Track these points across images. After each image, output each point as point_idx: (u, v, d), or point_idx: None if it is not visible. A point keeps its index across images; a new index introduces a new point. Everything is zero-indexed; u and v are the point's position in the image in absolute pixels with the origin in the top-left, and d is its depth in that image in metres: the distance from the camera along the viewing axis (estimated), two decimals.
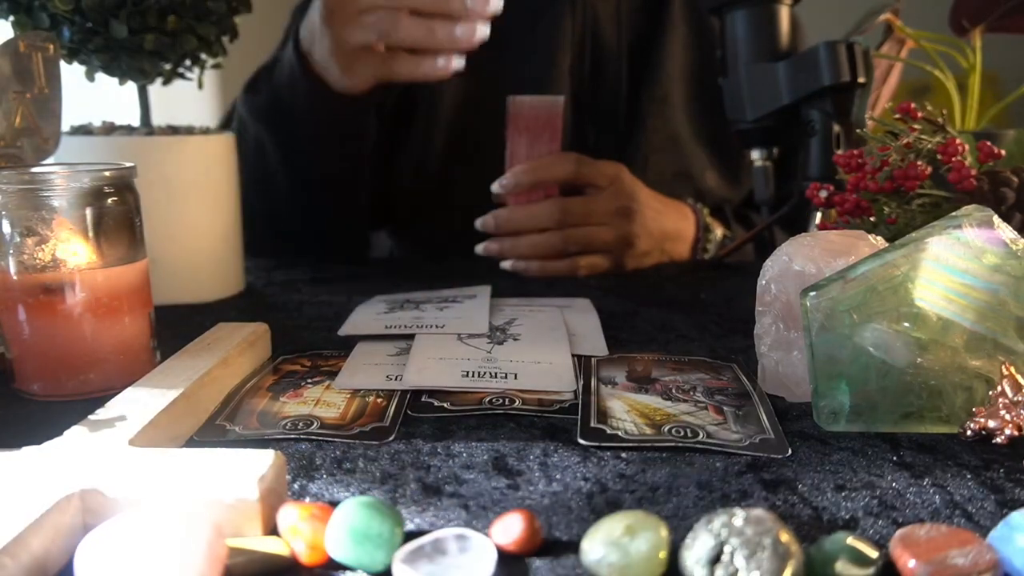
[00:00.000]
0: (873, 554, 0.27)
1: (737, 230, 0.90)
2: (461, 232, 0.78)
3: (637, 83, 0.89)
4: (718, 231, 0.85)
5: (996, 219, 0.39)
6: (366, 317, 0.58)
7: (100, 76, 0.63)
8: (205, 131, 0.67)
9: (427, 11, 0.67)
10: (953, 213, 0.40)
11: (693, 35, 0.91)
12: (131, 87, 0.65)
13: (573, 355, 0.50)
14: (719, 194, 0.92)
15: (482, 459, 0.37)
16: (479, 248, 0.76)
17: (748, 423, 0.41)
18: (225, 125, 0.92)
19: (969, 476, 0.35)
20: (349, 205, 0.82)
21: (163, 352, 0.48)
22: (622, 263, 0.78)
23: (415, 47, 0.69)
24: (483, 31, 0.68)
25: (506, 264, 0.76)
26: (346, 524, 0.28)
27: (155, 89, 0.66)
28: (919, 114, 0.55)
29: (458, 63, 0.69)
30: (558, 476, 0.35)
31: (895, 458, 0.37)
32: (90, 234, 0.44)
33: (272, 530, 0.30)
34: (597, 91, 0.89)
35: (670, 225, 0.81)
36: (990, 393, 0.38)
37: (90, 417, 0.37)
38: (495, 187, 0.74)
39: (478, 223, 0.76)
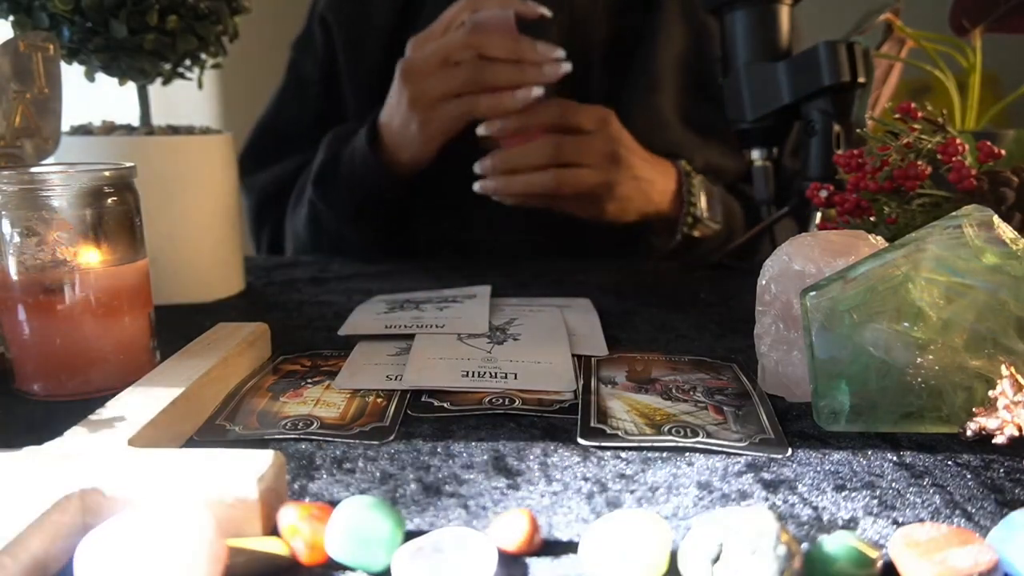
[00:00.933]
0: (873, 554, 0.27)
1: (724, 196, 0.89)
2: (459, 202, 0.81)
3: (624, 71, 0.90)
4: (698, 179, 0.85)
5: (996, 219, 0.39)
6: (366, 317, 0.58)
7: (100, 76, 0.63)
8: (205, 131, 0.67)
9: (501, 57, 0.72)
10: (953, 213, 0.40)
11: (686, 22, 0.91)
12: (131, 87, 0.65)
13: (573, 355, 0.50)
14: (710, 175, 0.92)
15: (482, 459, 0.37)
16: (476, 186, 0.78)
17: (748, 423, 0.41)
18: (241, 165, 0.95)
19: (969, 476, 0.35)
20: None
21: (163, 352, 0.48)
22: (601, 208, 0.80)
23: (502, 87, 0.73)
24: (567, 66, 0.73)
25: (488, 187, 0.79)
26: (346, 524, 0.28)
27: (155, 89, 0.66)
28: (919, 114, 0.55)
29: (537, 91, 0.73)
30: (558, 476, 0.35)
31: (895, 458, 0.37)
32: (90, 234, 0.44)
33: (272, 530, 0.30)
34: (585, 81, 0.89)
35: (656, 175, 0.82)
36: (990, 393, 0.38)
37: (90, 417, 0.37)
38: (481, 129, 0.77)
39: (477, 167, 0.78)
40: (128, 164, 0.47)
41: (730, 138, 0.88)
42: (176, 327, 0.54)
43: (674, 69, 0.90)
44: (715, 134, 0.91)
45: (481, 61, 0.73)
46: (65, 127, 0.57)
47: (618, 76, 0.90)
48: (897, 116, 0.56)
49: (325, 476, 0.35)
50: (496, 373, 0.46)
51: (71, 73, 0.57)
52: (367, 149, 0.80)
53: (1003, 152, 0.54)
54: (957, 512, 0.32)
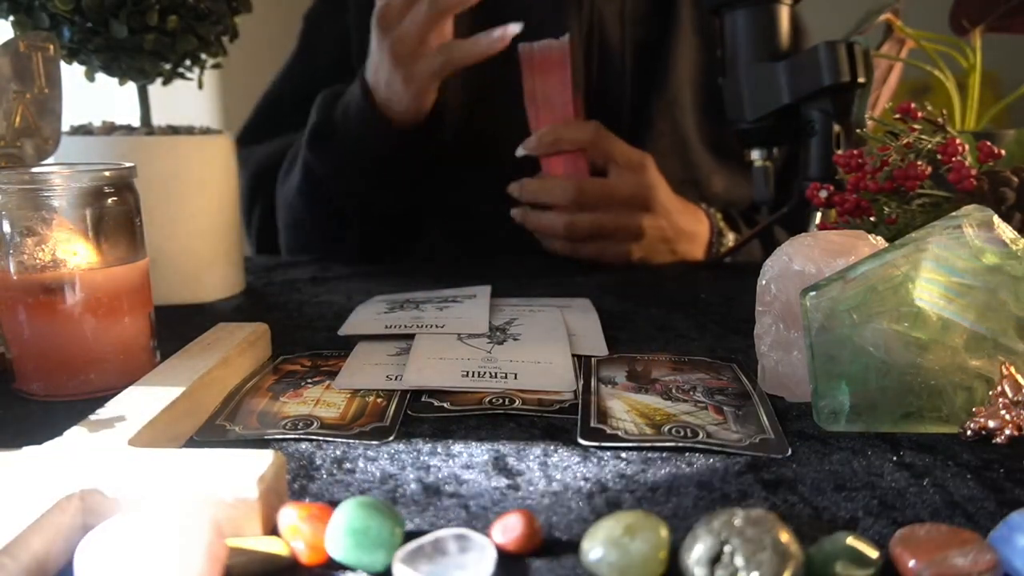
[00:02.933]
0: (873, 554, 0.27)
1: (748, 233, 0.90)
2: (491, 212, 0.80)
3: (646, 85, 0.89)
4: (730, 235, 0.86)
5: (996, 219, 0.39)
6: (366, 317, 0.58)
7: (100, 76, 0.63)
8: (205, 131, 0.67)
9: None
10: (953, 213, 0.40)
11: (702, 38, 0.91)
12: (131, 87, 0.65)
13: (573, 355, 0.50)
14: (725, 199, 0.92)
15: (482, 459, 0.37)
16: (513, 212, 0.79)
17: (748, 423, 0.41)
18: (241, 136, 0.94)
19: (969, 476, 0.35)
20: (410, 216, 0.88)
21: (163, 352, 0.48)
22: (626, 253, 0.79)
23: (465, 5, 0.71)
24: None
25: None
26: (346, 524, 0.28)
27: (155, 89, 0.66)
28: (919, 114, 0.55)
29: (514, 28, 0.71)
30: (558, 476, 0.35)
31: (895, 458, 0.37)
32: (90, 234, 0.44)
33: (272, 530, 0.30)
34: (605, 93, 0.89)
35: (686, 226, 0.82)
36: (990, 393, 0.38)
37: (90, 417, 0.37)
38: (520, 151, 0.76)
39: (510, 188, 0.78)
40: (128, 164, 0.47)
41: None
42: (176, 327, 0.54)
43: (691, 85, 0.90)
44: (733, 157, 0.91)
45: None
46: (65, 127, 0.57)
47: (640, 89, 0.89)
48: (897, 116, 0.56)
49: (325, 476, 0.35)
50: (496, 373, 0.46)
51: (71, 73, 0.57)
52: (362, 102, 0.78)
53: (1003, 152, 0.54)
54: (957, 512, 0.32)
